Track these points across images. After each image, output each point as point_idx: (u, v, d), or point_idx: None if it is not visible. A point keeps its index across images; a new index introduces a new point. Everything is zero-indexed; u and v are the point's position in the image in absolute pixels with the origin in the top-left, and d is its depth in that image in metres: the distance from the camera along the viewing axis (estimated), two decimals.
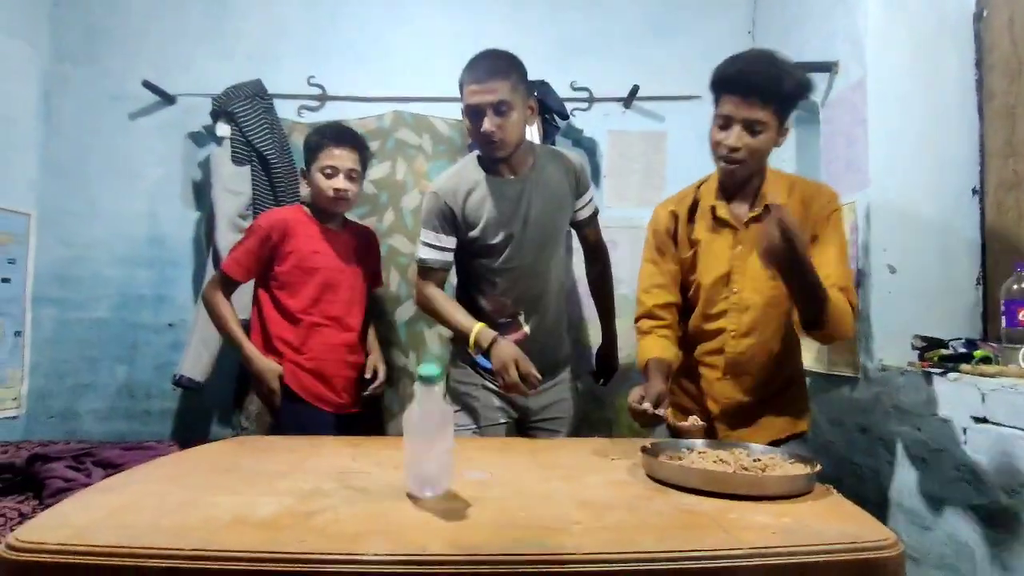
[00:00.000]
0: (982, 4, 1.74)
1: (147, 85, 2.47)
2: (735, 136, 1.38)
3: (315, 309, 1.86)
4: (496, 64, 1.57)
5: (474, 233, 1.64)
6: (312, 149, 1.88)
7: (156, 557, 0.75)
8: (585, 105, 2.58)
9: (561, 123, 2.47)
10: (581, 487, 1.09)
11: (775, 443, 1.41)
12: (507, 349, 1.54)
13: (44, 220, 2.54)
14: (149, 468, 1.20)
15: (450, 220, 1.65)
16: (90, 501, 0.96)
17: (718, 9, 2.63)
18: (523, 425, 1.75)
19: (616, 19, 2.62)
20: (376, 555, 0.77)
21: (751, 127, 1.37)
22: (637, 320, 1.59)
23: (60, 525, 0.83)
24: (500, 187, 1.64)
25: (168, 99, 2.55)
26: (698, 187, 1.56)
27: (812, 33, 2.13)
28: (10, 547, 0.77)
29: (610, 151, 2.60)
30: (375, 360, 2.00)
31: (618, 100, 2.58)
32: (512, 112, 1.56)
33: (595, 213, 1.84)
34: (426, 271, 1.69)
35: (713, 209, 1.49)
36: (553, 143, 2.43)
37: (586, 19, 2.62)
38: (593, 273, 1.92)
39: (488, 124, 1.55)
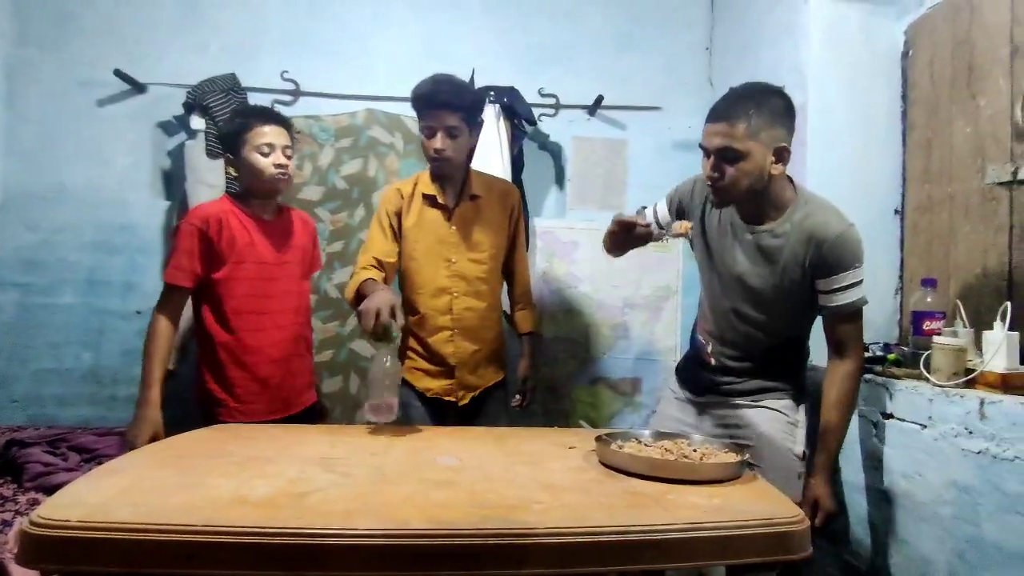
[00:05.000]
0: (908, 44, 1.94)
1: (119, 74, 2.48)
2: (439, 140, 1.74)
3: (253, 306, 1.75)
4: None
5: None
6: (238, 131, 1.75)
7: (172, 532, 0.86)
8: (552, 111, 2.70)
9: (528, 128, 2.59)
10: (542, 472, 1.22)
11: (494, 387, 1.92)
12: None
13: (9, 205, 2.52)
14: (143, 453, 1.29)
15: None
16: (99, 482, 1.04)
17: (679, 27, 2.78)
18: None
19: (584, 31, 2.75)
20: (367, 529, 0.89)
21: (451, 132, 1.74)
22: (360, 268, 1.79)
23: (76, 503, 0.92)
24: None
25: (139, 88, 2.56)
26: (415, 180, 1.88)
27: (763, 57, 2.30)
28: (33, 524, 0.86)
29: (574, 156, 2.74)
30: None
31: (583, 108, 2.71)
32: None
33: None
34: None
35: (433, 197, 1.83)
36: (520, 147, 2.56)
37: (555, 29, 2.74)
38: None
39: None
